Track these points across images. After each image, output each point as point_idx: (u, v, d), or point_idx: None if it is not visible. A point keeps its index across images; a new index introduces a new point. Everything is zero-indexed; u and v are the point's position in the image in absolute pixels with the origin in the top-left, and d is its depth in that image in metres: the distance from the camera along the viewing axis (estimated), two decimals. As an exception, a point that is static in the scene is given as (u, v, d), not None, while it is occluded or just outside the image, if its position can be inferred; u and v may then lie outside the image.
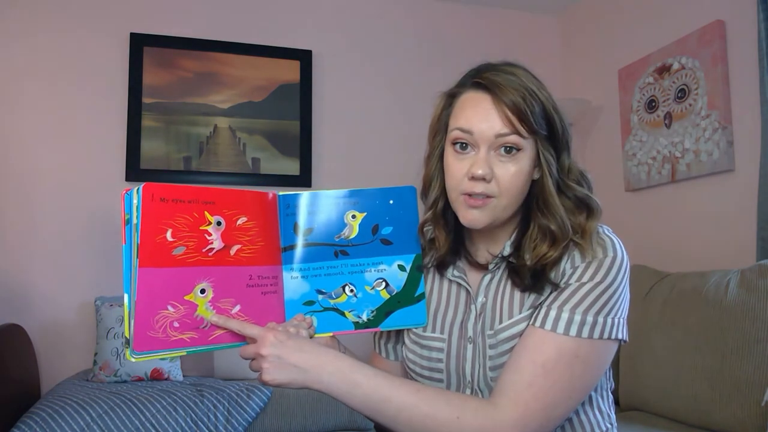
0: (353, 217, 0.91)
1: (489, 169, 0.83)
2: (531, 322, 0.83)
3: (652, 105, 2.62)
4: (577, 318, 0.80)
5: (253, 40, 2.86)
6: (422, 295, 0.93)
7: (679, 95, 2.47)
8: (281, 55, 2.89)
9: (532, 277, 0.85)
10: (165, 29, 2.75)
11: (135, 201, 0.75)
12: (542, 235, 0.85)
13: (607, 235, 0.86)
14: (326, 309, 0.90)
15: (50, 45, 2.62)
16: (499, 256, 0.90)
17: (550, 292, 0.84)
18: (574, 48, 3.27)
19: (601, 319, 0.80)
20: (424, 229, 0.96)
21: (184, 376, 2.28)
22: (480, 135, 0.83)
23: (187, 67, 2.77)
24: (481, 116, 0.83)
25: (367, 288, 0.91)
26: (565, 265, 0.84)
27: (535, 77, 0.87)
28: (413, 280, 0.92)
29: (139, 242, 0.75)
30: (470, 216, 0.86)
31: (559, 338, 0.79)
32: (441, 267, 0.95)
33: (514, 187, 0.84)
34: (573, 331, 0.79)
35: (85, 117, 2.64)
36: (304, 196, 0.91)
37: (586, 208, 0.88)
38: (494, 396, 0.80)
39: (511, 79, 0.84)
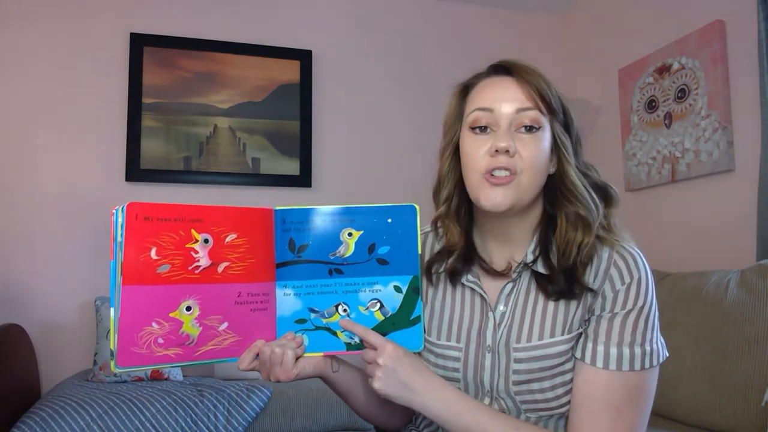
0: (350, 234, 0.89)
1: (512, 141, 0.82)
2: (589, 362, 0.81)
3: (652, 105, 2.62)
4: (638, 351, 0.80)
5: (253, 40, 2.86)
6: (418, 319, 0.89)
7: (679, 95, 2.47)
8: (281, 55, 2.89)
9: (566, 281, 0.83)
10: (165, 29, 2.76)
11: (120, 220, 0.76)
12: (572, 226, 0.84)
13: (635, 250, 0.85)
14: (318, 328, 0.89)
15: (50, 45, 2.62)
16: (522, 263, 0.87)
17: (589, 318, 0.83)
18: (574, 48, 3.26)
19: (654, 347, 0.81)
20: (438, 225, 0.94)
21: (184, 376, 2.28)
22: (500, 112, 0.84)
23: (187, 67, 2.77)
24: (502, 94, 0.85)
25: (361, 308, 0.88)
26: (605, 287, 0.83)
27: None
28: (409, 303, 0.89)
29: (122, 260, 0.76)
30: (493, 196, 0.82)
31: (624, 377, 0.80)
32: (453, 275, 0.91)
33: (537, 163, 0.83)
34: (637, 365, 0.80)
35: (85, 117, 2.64)
36: (301, 212, 0.89)
37: (603, 196, 0.88)
38: None
39: (530, 66, 0.87)
